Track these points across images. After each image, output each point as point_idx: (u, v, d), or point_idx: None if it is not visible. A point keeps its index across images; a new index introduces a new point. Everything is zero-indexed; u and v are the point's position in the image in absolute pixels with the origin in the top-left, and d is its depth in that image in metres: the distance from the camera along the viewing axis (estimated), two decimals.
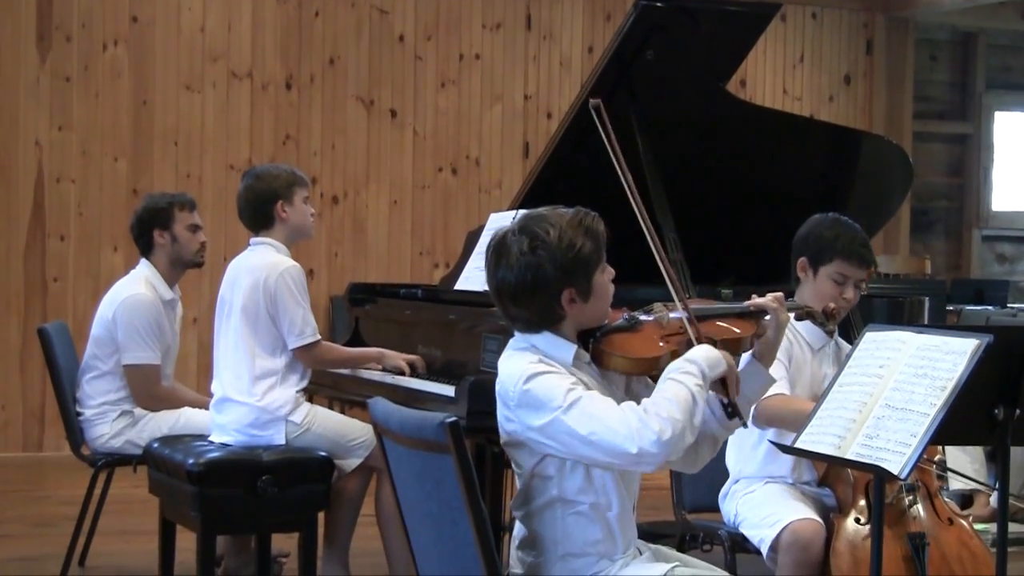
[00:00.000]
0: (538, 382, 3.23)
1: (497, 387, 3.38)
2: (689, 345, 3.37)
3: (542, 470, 3.33)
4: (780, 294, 3.57)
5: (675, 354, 3.35)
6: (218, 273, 5.60)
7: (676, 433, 3.14)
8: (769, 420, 4.22)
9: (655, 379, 3.37)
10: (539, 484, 3.35)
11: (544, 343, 3.34)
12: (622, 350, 3.38)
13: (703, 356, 3.28)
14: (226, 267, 5.51)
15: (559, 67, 10.20)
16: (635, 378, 3.51)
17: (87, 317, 6.04)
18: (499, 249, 3.35)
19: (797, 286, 4.50)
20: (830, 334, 3.87)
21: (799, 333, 4.43)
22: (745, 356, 3.52)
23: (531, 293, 3.29)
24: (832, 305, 3.80)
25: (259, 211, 5.35)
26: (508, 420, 3.33)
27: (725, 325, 3.50)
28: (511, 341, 3.43)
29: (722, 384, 3.33)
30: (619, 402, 3.25)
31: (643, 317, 3.45)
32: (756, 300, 3.56)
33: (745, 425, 3.50)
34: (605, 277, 3.36)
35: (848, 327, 4.73)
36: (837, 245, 4.37)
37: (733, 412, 3.38)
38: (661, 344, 3.40)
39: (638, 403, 3.23)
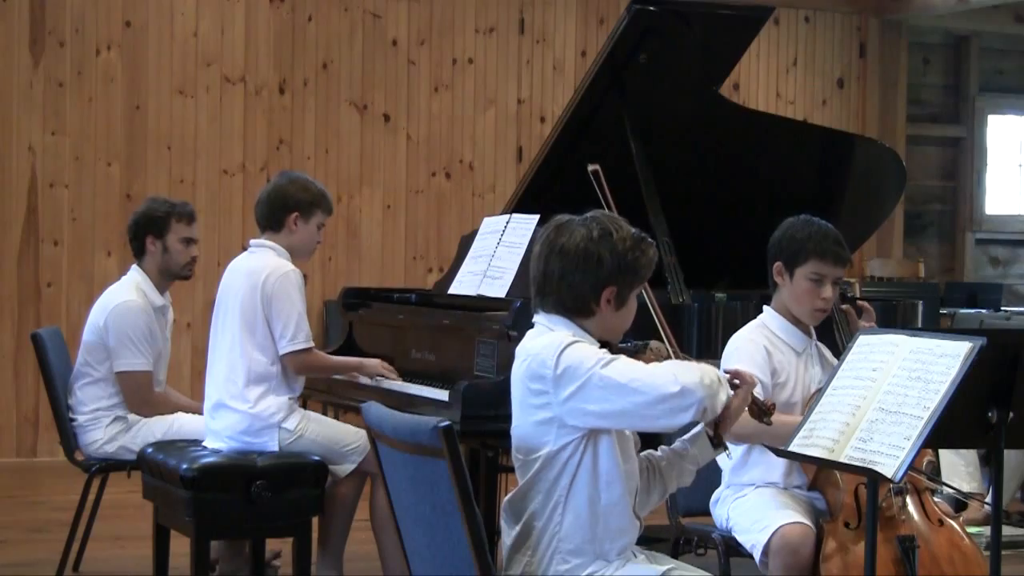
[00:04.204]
0: (575, 348, 3.36)
1: (519, 367, 3.44)
2: None
3: (556, 457, 3.37)
4: (753, 377, 3.72)
5: None
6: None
7: (713, 386, 3.35)
8: (739, 437, 4.24)
9: None
10: (545, 476, 3.39)
11: (571, 330, 3.45)
12: None
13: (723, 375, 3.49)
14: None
15: (552, 71, 10.20)
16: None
17: (81, 322, 6.03)
18: (563, 227, 3.48)
19: (775, 291, 4.52)
20: (768, 425, 3.90)
21: (781, 338, 4.45)
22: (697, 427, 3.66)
23: (580, 274, 3.42)
24: (772, 401, 3.84)
25: (274, 213, 5.36)
26: (539, 393, 3.38)
27: None
28: (532, 330, 3.51)
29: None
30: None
31: (644, 348, 3.55)
32: (736, 370, 3.69)
33: (729, 456, 3.75)
34: (636, 301, 3.52)
35: (831, 328, 4.72)
36: (809, 245, 4.40)
37: (717, 443, 3.59)
38: None
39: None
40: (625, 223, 3.50)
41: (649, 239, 3.51)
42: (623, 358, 3.37)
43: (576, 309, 3.45)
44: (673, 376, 3.31)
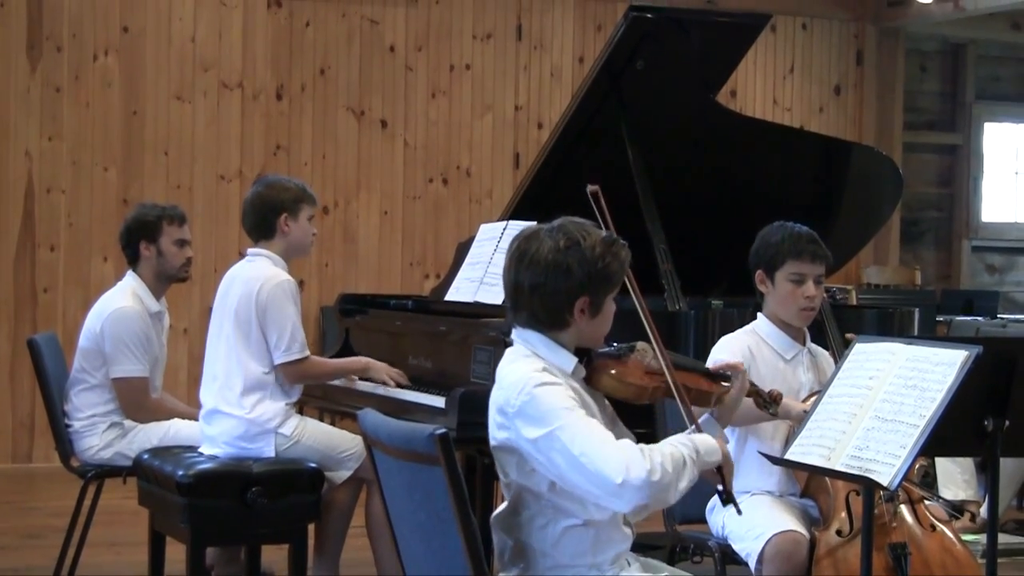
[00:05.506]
0: (541, 393, 3.26)
1: (495, 392, 3.39)
2: (668, 388, 3.46)
3: (534, 485, 3.33)
4: (742, 363, 3.67)
5: (657, 390, 3.47)
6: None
7: (663, 481, 3.19)
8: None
9: (633, 411, 3.52)
10: (530, 498, 3.36)
11: (547, 350, 3.38)
12: (616, 371, 3.45)
13: (701, 440, 3.36)
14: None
15: (550, 77, 10.20)
16: (612, 414, 3.55)
17: (77, 327, 6.02)
18: (530, 239, 3.39)
19: (763, 302, 4.54)
20: (773, 416, 3.88)
21: (768, 344, 4.47)
22: (704, 414, 3.59)
23: (552, 288, 3.34)
24: (777, 391, 3.83)
25: (262, 220, 5.35)
26: (502, 427, 3.34)
27: (698, 377, 3.61)
28: (511, 349, 3.45)
29: (719, 473, 3.39)
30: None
31: (629, 351, 3.51)
32: (727, 362, 3.66)
33: (740, 512, 3.52)
34: (613, 305, 3.44)
35: (822, 331, 4.73)
36: (784, 248, 4.45)
37: (727, 499, 3.43)
38: (645, 378, 3.47)
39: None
40: (593, 228, 3.41)
41: (621, 241, 3.42)
42: (586, 421, 3.24)
43: (550, 322, 3.37)
44: (624, 465, 3.15)
